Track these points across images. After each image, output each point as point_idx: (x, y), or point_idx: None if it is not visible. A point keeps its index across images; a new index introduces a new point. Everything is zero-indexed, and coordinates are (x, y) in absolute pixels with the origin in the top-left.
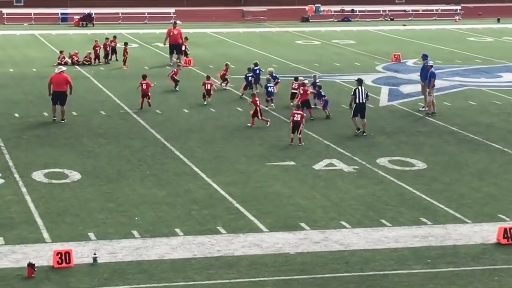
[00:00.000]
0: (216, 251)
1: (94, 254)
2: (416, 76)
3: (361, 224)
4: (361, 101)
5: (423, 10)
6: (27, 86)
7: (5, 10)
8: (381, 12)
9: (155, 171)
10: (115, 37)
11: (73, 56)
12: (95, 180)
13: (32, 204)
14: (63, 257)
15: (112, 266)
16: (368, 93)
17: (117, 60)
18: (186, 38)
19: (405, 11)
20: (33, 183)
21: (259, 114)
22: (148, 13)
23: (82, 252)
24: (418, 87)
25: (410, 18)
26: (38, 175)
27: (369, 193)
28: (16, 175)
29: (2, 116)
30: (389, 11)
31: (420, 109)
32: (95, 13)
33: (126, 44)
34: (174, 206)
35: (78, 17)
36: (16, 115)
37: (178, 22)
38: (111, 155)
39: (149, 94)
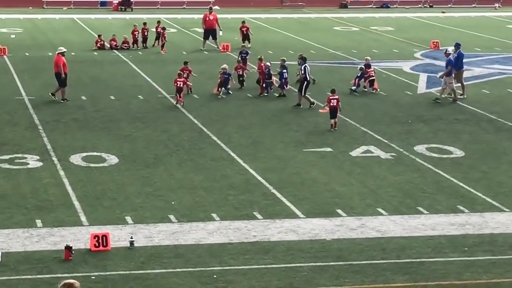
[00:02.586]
0: (252, 237)
1: (131, 237)
2: None
3: (398, 211)
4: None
5: None
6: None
7: None
8: None
9: (192, 156)
10: (159, 22)
11: (112, 41)
12: (132, 164)
13: (70, 187)
14: (100, 240)
15: (149, 250)
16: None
17: (159, 45)
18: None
19: None
20: (71, 166)
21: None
22: None
23: (119, 236)
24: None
25: (449, 5)
26: (76, 159)
27: (406, 180)
28: (54, 158)
29: (41, 99)
30: None
31: (459, 96)
32: None
33: (164, 29)
34: (210, 191)
35: (117, 1)
36: (55, 98)
37: (216, 7)
38: (148, 140)
39: (188, 83)
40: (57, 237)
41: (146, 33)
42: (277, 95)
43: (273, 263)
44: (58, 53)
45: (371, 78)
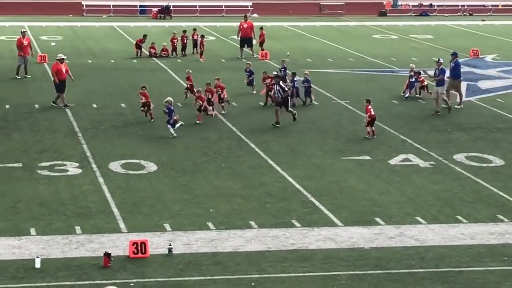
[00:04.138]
0: (290, 244)
1: (170, 245)
2: (495, 72)
3: (436, 220)
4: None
5: (502, 6)
6: (106, 77)
7: (84, 2)
8: (460, 7)
9: (230, 164)
10: (195, 29)
11: (151, 49)
12: (171, 172)
13: (109, 194)
14: (139, 247)
15: (187, 257)
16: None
17: (197, 53)
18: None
19: (484, 6)
20: (110, 173)
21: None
22: (226, 6)
23: (157, 243)
24: (496, 83)
25: (489, 13)
26: (115, 166)
27: (445, 189)
28: (94, 165)
29: (81, 106)
30: (468, 6)
31: (456, 106)
32: (173, 6)
33: (202, 37)
34: (249, 199)
35: (156, 9)
36: (94, 106)
37: (255, 15)
38: (187, 147)
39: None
40: (96, 244)
41: (185, 41)
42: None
43: (311, 271)
44: (57, 59)
45: (422, 85)
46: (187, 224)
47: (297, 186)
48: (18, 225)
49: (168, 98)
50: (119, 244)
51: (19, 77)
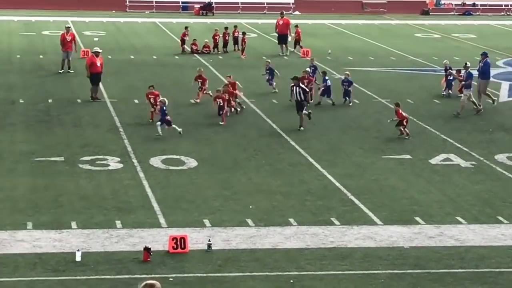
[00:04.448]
0: (329, 242)
1: (209, 240)
2: None
3: (477, 220)
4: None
5: None
6: (147, 73)
7: None
8: (503, 7)
9: (270, 161)
10: (236, 26)
11: (193, 45)
12: (211, 168)
13: (149, 189)
14: (178, 243)
15: (226, 253)
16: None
17: (238, 49)
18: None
19: None
20: (151, 168)
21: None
22: (268, 3)
23: (197, 238)
24: None
25: None
26: (156, 161)
27: (486, 189)
28: (135, 160)
29: (122, 102)
30: None
31: (475, 107)
32: (215, 2)
33: (244, 33)
34: (288, 196)
35: (198, 6)
36: (136, 101)
37: (296, 12)
38: (227, 144)
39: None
40: (136, 238)
41: (226, 38)
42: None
43: (350, 269)
44: (92, 52)
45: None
46: (227, 220)
47: (337, 184)
48: (60, 218)
49: (162, 99)
50: (158, 239)
51: (62, 71)
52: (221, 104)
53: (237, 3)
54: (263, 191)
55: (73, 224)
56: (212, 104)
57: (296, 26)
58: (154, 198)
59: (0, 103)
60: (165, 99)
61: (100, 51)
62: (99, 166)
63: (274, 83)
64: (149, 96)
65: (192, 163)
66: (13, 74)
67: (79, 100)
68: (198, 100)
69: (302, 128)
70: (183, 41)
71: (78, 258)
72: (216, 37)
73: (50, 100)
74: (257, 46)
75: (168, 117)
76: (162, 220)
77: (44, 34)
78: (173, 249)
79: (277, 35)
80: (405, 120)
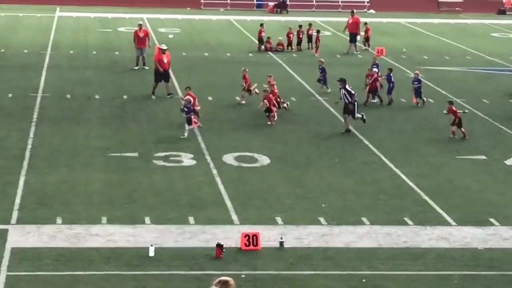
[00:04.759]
0: (402, 242)
1: (281, 238)
2: None
3: None
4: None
5: None
6: (221, 70)
7: None
8: None
9: (343, 159)
10: (310, 24)
11: (267, 43)
12: (283, 166)
13: (222, 186)
14: (250, 240)
15: (298, 251)
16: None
17: (312, 47)
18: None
19: None
20: (224, 165)
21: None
22: (342, 2)
23: (269, 236)
24: None
25: None
26: (229, 158)
27: None
28: (208, 157)
29: (196, 99)
30: None
31: None
32: (290, 0)
33: (318, 32)
34: (361, 195)
35: (273, 3)
36: (210, 98)
37: (371, 11)
38: (300, 142)
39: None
40: (209, 235)
41: (300, 36)
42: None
43: (422, 270)
44: (160, 48)
45: None
46: (299, 218)
47: (411, 184)
48: (134, 213)
49: (187, 97)
50: (231, 235)
51: (137, 68)
52: (268, 105)
53: (312, 1)
54: (336, 189)
55: (147, 220)
56: (260, 106)
57: (366, 24)
58: (227, 195)
59: (76, 99)
60: (190, 97)
61: (166, 48)
62: (172, 162)
63: (327, 83)
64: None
65: (264, 160)
66: (89, 70)
67: (153, 97)
68: (243, 101)
69: (348, 132)
70: (261, 40)
71: (151, 253)
72: (290, 35)
73: (125, 96)
74: (331, 44)
75: (193, 116)
76: (234, 217)
77: (120, 31)
78: (245, 246)
79: (347, 33)
80: (457, 119)
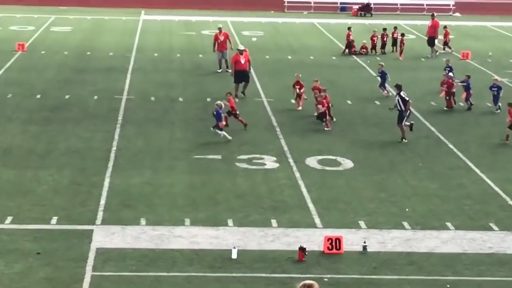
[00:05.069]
0: (487, 248)
1: (364, 242)
2: None
3: None
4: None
5: None
6: (304, 73)
7: None
8: None
9: (427, 164)
10: (396, 28)
11: (346, 47)
12: (367, 169)
13: (304, 189)
14: (333, 243)
15: (382, 256)
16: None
17: (396, 51)
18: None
19: None
20: (307, 169)
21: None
22: (427, 4)
23: (352, 240)
24: None
25: None
26: (312, 161)
27: None
28: (291, 160)
29: (279, 102)
30: None
31: None
32: (374, 3)
33: (403, 35)
34: (446, 200)
35: (357, 6)
36: (293, 101)
37: (457, 14)
38: (384, 145)
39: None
40: (291, 238)
41: (385, 39)
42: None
43: (509, 276)
44: (237, 49)
45: None
46: (382, 223)
47: (496, 189)
48: (217, 215)
49: (218, 102)
50: (314, 239)
51: (220, 71)
52: (322, 110)
53: (396, 4)
54: (420, 194)
55: (230, 222)
56: (316, 111)
57: (445, 27)
58: (309, 198)
59: (160, 101)
60: (222, 103)
61: (243, 48)
62: (255, 165)
63: (387, 87)
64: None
65: (348, 164)
66: (173, 73)
67: (236, 100)
68: (300, 107)
69: (404, 140)
70: (348, 44)
71: (234, 255)
72: (374, 38)
73: (208, 99)
74: (416, 47)
75: (223, 122)
76: (317, 220)
77: (204, 34)
78: (328, 250)
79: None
80: None
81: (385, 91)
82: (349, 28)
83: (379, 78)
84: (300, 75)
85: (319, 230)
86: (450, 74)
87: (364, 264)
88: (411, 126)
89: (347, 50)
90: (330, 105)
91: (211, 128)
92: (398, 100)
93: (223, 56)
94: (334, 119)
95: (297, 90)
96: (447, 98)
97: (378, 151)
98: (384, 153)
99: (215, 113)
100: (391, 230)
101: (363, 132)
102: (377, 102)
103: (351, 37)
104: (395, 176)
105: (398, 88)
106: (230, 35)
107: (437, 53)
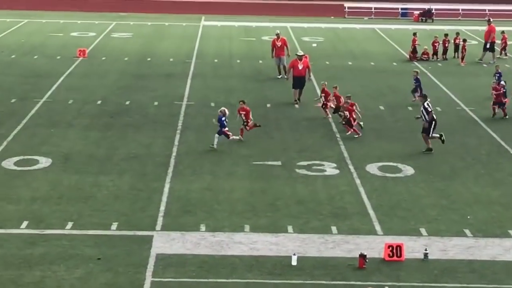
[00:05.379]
0: None
1: (425, 250)
2: None
3: None
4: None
5: None
6: (365, 79)
7: (346, 4)
8: None
9: (489, 170)
10: (458, 33)
11: (411, 53)
12: (428, 176)
13: (365, 196)
14: (394, 250)
15: (443, 264)
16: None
17: (458, 57)
18: None
19: None
20: (367, 175)
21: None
22: (489, 10)
23: (413, 247)
24: None
25: None
26: (372, 168)
27: None
28: (351, 167)
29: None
30: None
31: None
32: (435, 9)
33: (464, 41)
34: (508, 207)
35: (418, 12)
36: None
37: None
38: (445, 152)
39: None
40: (352, 245)
41: (446, 45)
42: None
43: None
44: (296, 55)
45: None
46: (444, 230)
47: None
48: (276, 222)
49: (222, 108)
50: (374, 246)
51: (280, 77)
52: (348, 116)
53: (458, 9)
54: (482, 201)
55: (289, 228)
56: (341, 118)
57: (503, 32)
58: (370, 205)
59: (220, 107)
60: (226, 109)
61: (302, 54)
62: (315, 171)
63: (418, 95)
64: (240, 112)
65: (409, 170)
66: (233, 79)
67: (296, 106)
68: (329, 116)
69: (429, 151)
70: (415, 49)
71: (294, 262)
72: (435, 44)
73: (268, 105)
74: (477, 53)
75: (226, 129)
76: (378, 227)
77: (264, 40)
78: (388, 257)
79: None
80: None
81: (416, 98)
82: (414, 34)
83: (413, 84)
84: (326, 83)
85: (380, 237)
86: (502, 82)
87: (425, 271)
88: (441, 138)
89: (412, 55)
90: (356, 111)
91: (216, 135)
92: (422, 110)
93: (281, 62)
94: (362, 125)
95: (323, 99)
96: (495, 105)
97: (439, 158)
98: (445, 159)
99: (218, 119)
100: (452, 237)
101: (422, 139)
102: (438, 109)
103: (417, 43)
104: (456, 183)
105: (424, 97)
106: (289, 41)
107: (486, 58)
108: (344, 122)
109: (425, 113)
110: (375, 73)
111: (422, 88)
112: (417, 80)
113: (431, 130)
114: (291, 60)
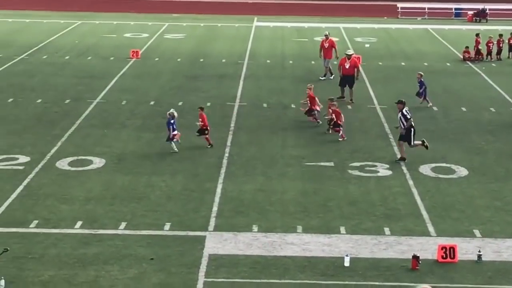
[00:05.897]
0: None
1: (479, 251)
2: None
3: None
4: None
5: None
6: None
7: (400, 4)
8: None
9: None
10: None
11: (465, 53)
12: (482, 177)
13: (418, 197)
14: (447, 252)
15: (497, 265)
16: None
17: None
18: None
19: None
20: (420, 176)
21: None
22: None
23: (466, 248)
24: None
25: None
26: (425, 169)
27: None
28: (404, 168)
29: (392, 109)
30: None
31: None
32: (489, 9)
33: None
34: None
35: (472, 12)
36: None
37: None
38: (499, 153)
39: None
40: (405, 246)
41: (501, 45)
42: None
43: None
44: (345, 54)
45: None
46: (498, 231)
47: None
48: (329, 223)
49: (170, 110)
50: (427, 247)
51: (332, 77)
52: (336, 119)
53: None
54: None
55: (342, 229)
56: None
57: None
58: (423, 206)
59: (272, 108)
60: (174, 111)
61: (351, 53)
62: (368, 172)
63: (426, 97)
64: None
65: (462, 172)
66: (286, 80)
67: (349, 107)
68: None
69: (402, 160)
70: (478, 50)
71: (346, 263)
72: (489, 44)
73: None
74: None
75: (175, 132)
76: (431, 229)
77: (316, 40)
78: (442, 259)
79: None
80: None
81: (424, 100)
82: (477, 35)
83: (418, 87)
84: (312, 86)
85: (433, 238)
86: None
87: (479, 273)
88: (424, 144)
89: (476, 56)
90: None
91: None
92: (400, 117)
93: (327, 63)
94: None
95: (308, 103)
96: None
97: (493, 159)
98: (500, 160)
99: (168, 121)
100: (506, 239)
101: (478, 139)
102: (492, 109)
103: (480, 43)
104: (510, 184)
105: (401, 103)
106: (341, 41)
107: None
108: (332, 126)
109: (403, 120)
110: (428, 74)
111: (426, 92)
112: (421, 83)
113: (412, 138)
114: (340, 59)
